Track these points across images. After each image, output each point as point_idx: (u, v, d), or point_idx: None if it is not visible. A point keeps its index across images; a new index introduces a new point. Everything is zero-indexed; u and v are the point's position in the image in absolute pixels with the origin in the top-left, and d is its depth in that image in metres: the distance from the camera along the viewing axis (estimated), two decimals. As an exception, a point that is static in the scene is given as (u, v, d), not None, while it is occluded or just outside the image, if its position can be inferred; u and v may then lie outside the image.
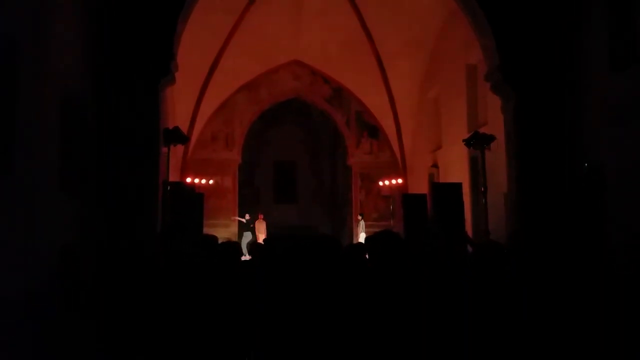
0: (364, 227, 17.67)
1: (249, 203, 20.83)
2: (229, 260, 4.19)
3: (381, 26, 16.08)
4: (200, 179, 17.60)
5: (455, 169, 13.90)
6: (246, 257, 6.95)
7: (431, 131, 16.50)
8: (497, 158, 10.20)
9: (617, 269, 3.71)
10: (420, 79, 17.09)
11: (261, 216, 18.79)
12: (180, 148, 15.64)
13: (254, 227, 18.17)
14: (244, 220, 18.34)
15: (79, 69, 7.05)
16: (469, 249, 6.10)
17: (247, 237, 17.75)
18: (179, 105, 16.41)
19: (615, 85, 7.56)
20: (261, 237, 17.83)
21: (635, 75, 7.12)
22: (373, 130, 19.39)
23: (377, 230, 16.18)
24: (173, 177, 13.61)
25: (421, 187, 16.47)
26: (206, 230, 13.32)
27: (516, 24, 8.75)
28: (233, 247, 4.44)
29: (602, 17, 7.88)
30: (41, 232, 5.33)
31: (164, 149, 9.55)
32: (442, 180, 14.80)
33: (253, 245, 7.60)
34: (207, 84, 17.29)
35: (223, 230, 17.24)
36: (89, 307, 3.83)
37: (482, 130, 11.23)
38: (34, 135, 5.27)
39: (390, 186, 18.37)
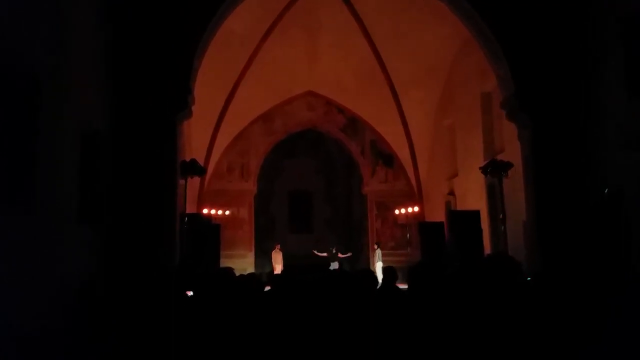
0: (380, 256, 17.48)
1: (265, 233, 20.81)
2: (250, 292, 4.16)
3: (394, 56, 16.24)
4: (217, 210, 17.67)
5: (473, 196, 13.77)
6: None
7: (447, 159, 16.44)
8: (515, 185, 10.09)
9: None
10: (435, 107, 17.13)
11: (277, 246, 18.71)
12: (196, 179, 15.76)
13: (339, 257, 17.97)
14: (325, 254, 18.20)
15: (98, 103, 7.20)
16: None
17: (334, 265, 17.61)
18: (196, 136, 16.63)
19: (632, 110, 7.49)
20: (278, 268, 17.73)
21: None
22: (388, 158, 19.38)
23: (394, 259, 16.05)
24: (190, 209, 13.68)
25: (438, 215, 16.32)
26: (223, 261, 13.32)
27: (530, 52, 8.78)
28: (253, 279, 4.41)
29: (618, 44, 7.85)
30: (60, 268, 5.36)
31: (181, 181, 9.64)
32: (459, 208, 14.66)
33: (271, 276, 7.56)
34: (223, 116, 17.52)
35: (240, 261, 17.18)
36: (107, 340, 3.81)
37: (499, 157, 11.15)
38: (55, 173, 5.35)
39: (407, 214, 18.23)
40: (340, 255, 17.90)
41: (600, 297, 3.49)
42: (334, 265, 17.35)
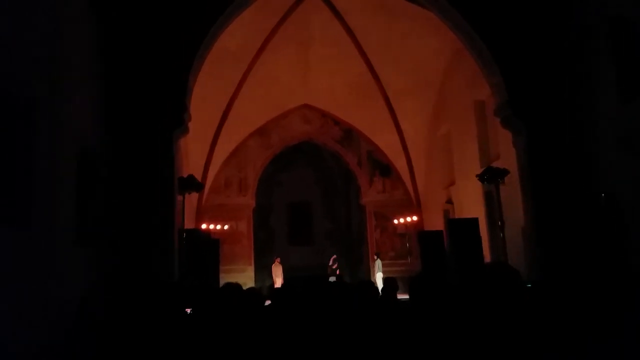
0: (381, 266, 17.46)
1: (264, 247, 20.77)
2: (251, 307, 4.15)
3: (387, 67, 16.38)
4: (216, 225, 17.66)
5: (471, 204, 13.80)
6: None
7: (444, 167, 16.50)
8: (512, 192, 10.13)
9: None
10: (430, 116, 17.23)
11: (277, 260, 18.68)
12: (194, 195, 15.78)
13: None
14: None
15: (95, 122, 7.25)
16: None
17: None
18: (193, 152, 16.67)
19: (625, 114, 7.55)
20: (278, 281, 17.69)
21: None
22: (385, 168, 19.44)
23: (395, 269, 16.01)
24: (188, 224, 13.67)
25: (437, 223, 16.33)
26: (223, 276, 13.27)
27: (522, 59, 8.87)
28: (255, 293, 4.40)
29: (608, 48, 7.93)
30: (58, 284, 5.36)
31: (179, 197, 9.64)
32: (457, 216, 14.68)
33: (271, 290, 7.55)
34: (219, 131, 17.59)
35: (240, 275, 17.13)
36: (107, 357, 3.80)
37: (495, 164, 11.20)
38: (52, 190, 5.37)
39: (406, 224, 18.25)
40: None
41: (601, 301, 3.50)
42: (333, 279, 17.35)
